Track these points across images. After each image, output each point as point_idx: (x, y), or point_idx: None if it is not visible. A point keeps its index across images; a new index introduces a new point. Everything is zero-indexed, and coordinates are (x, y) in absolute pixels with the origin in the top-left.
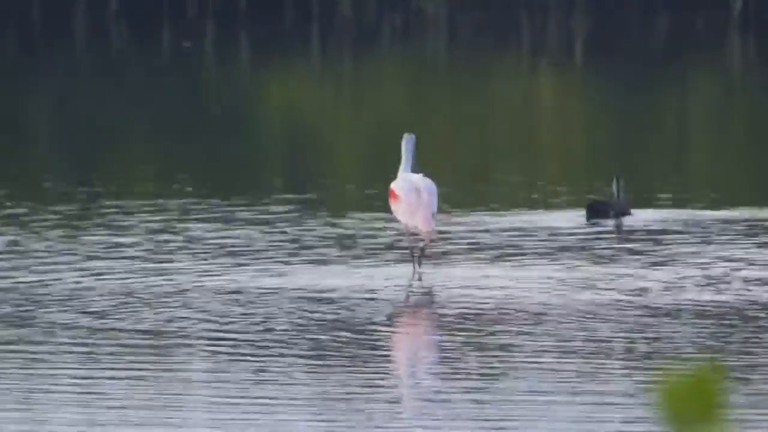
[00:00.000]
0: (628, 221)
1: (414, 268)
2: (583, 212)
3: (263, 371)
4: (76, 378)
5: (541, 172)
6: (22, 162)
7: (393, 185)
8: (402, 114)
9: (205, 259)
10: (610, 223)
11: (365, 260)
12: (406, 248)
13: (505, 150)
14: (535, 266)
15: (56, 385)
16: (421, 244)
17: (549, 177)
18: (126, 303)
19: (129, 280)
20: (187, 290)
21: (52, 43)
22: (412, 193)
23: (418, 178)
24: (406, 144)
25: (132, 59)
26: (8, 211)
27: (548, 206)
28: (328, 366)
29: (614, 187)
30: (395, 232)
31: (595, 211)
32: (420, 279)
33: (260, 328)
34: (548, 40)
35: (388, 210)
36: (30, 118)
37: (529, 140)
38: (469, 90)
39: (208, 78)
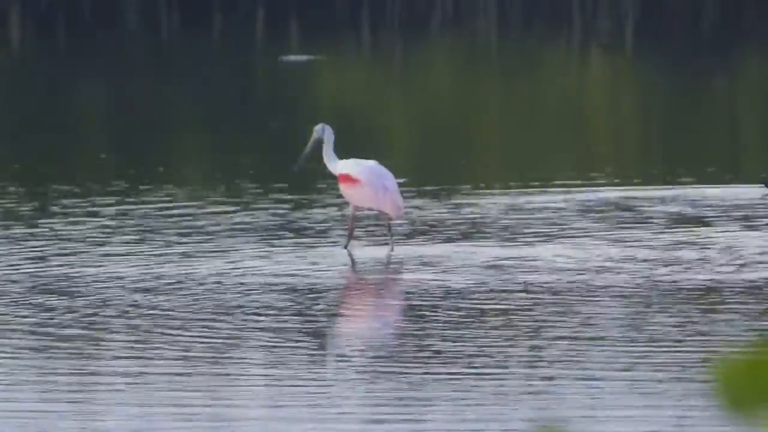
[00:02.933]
0: None
1: (390, 246)
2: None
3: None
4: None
5: (592, 151)
6: (71, 149)
7: (346, 170)
8: (452, 99)
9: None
10: None
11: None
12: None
13: (557, 135)
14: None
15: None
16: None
17: (598, 156)
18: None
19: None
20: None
21: (102, 29)
22: (376, 178)
23: (375, 164)
24: (325, 133)
25: (182, 46)
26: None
27: (595, 184)
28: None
29: None
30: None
31: None
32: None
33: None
34: (599, 24)
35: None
36: (78, 106)
37: (580, 122)
38: (520, 74)
39: (257, 65)
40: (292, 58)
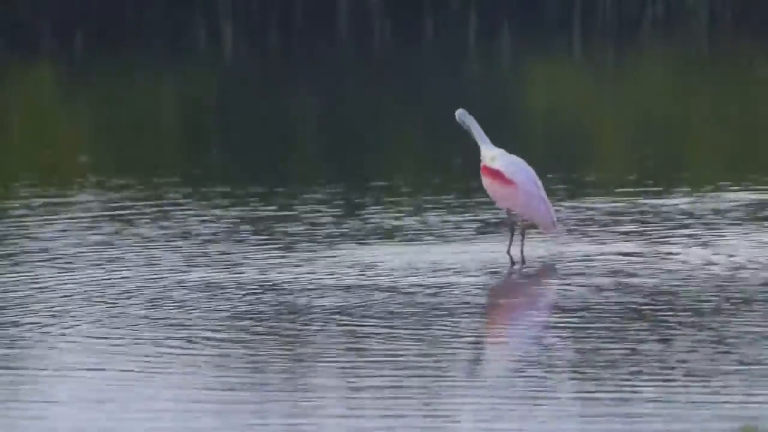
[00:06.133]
0: None
1: (519, 249)
2: None
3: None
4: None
5: None
6: (287, 159)
7: (497, 165)
8: (663, 104)
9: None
10: None
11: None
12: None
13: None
14: None
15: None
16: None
17: None
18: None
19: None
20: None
21: (314, 36)
22: (531, 184)
23: (523, 162)
24: (467, 118)
25: (394, 51)
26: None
27: None
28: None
29: None
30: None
31: None
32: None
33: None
34: None
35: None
36: (292, 113)
37: None
38: (731, 80)
39: (469, 68)
40: None
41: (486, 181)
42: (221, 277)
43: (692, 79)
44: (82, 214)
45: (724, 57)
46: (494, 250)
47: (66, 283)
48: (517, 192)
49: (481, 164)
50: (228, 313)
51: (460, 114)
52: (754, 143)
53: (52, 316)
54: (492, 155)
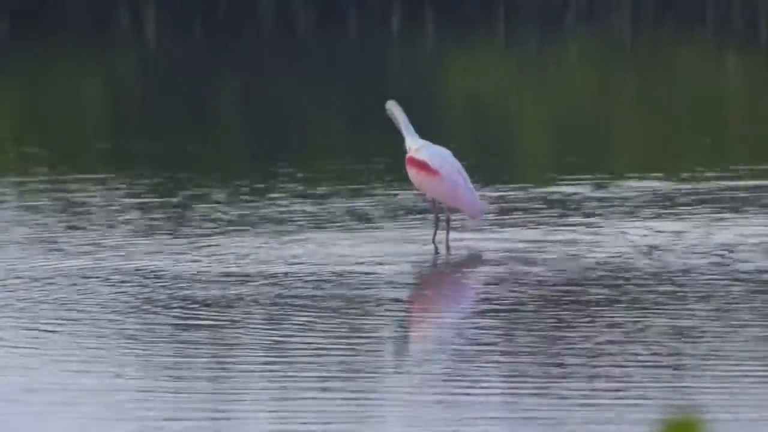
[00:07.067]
0: None
1: (445, 237)
2: None
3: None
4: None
5: (728, 150)
6: (211, 146)
7: (422, 156)
8: (585, 94)
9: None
10: None
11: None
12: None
13: (691, 133)
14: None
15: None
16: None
17: (735, 155)
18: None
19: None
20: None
21: (237, 26)
22: (455, 173)
23: (448, 152)
24: (396, 108)
25: (316, 40)
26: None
27: (726, 178)
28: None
29: None
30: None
31: None
32: (445, 250)
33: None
34: (734, 18)
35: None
36: (214, 103)
37: (715, 123)
38: (652, 71)
39: (391, 59)
40: None
41: (412, 172)
42: (140, 265)
43: (614, 69)
44: None
45: (646, 47)
46: (418, 240)
47: None
48: (443, 182)
49: (407, 155)
50: (139, 304)
51: (390, 104)
52: (677, 132)
53: None
54: (417, 147)
